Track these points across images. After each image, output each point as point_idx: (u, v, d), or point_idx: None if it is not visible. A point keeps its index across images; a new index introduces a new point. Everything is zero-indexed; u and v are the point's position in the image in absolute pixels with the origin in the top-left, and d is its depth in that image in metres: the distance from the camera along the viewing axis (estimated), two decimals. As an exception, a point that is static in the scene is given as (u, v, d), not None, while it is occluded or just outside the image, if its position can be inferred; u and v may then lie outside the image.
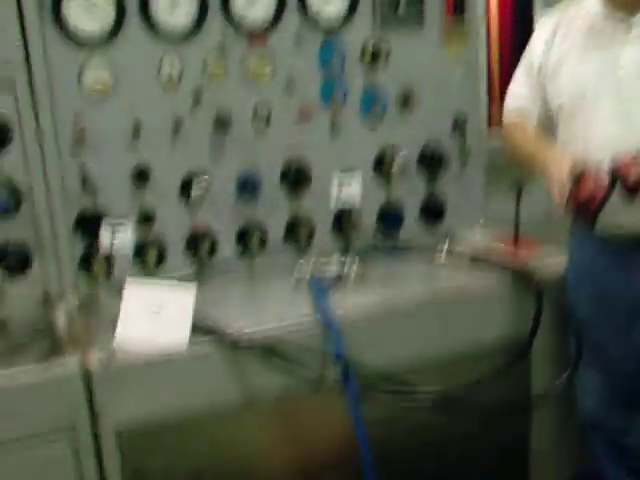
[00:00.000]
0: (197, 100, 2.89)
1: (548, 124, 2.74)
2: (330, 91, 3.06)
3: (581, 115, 2.53)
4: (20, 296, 2.81)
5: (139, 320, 2.49)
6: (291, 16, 2.97)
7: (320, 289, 2.69)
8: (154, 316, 2.49)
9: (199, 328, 2.48)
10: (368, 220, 3.20)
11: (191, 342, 2.44)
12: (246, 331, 2.52)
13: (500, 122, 3.32)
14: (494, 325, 2.80)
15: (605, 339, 2.69)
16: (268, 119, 3.00)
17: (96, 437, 2.37)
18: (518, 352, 2.72)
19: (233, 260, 3.03)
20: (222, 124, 2.91)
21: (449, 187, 3.32)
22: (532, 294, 2.78)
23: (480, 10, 3.24)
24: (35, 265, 2.83)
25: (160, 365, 2.40)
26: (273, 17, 2.94)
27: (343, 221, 3.16)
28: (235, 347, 2.45)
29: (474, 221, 3.38)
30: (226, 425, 2.50)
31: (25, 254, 2.80)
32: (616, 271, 2.59)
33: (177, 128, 2.88)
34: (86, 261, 2.88)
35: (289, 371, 2.46)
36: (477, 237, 3.29)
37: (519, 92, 2.80)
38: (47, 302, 2.84)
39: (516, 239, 3.17)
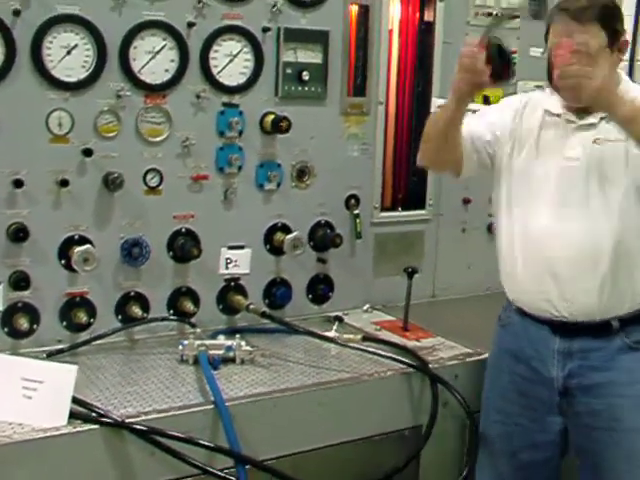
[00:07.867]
0: (86, 156, 2.68)
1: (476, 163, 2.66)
2: (226, 159, 2.93)
3: (523, 200, 2.53)
4: None
5: (8, 399, 2.21)
6: (192, 77, 2.84)
7: (209, 371, 2.50)
8: (28, 396, 2.22)
9: (78, 408, 2.24)
10: (255, 294, 3.07)
11: (69, 423, 2.19)
12: (130, 412, 2.30)
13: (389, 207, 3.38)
14: (387, 415, 2.68)
15: (512, 430, 2.61)
16: (159, 183, 2.83)
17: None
18: (411, 450, 2.62)
19: (112, 331, 2.80)
20: (111, 184, 2.71)
21: (338, 266, 3.24)
22: (426, 383, 2.71)
23: (379, 93, 3.24)
24: None
25: (33, 447, 2.13)
26: (174, 76, 2.80)
27: (230, 294, 3.02)
28: (117, 430, 2.22)
29: (361, 303, 3.31)
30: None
31: None
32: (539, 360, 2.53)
33: (62, 184, 2.66)
34: (-55, 323, 2.60)
35: (175, 457, 2.25)
36: (363, 319, 3.21)
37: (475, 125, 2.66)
38: None
39: (405, 325, 3.09)
